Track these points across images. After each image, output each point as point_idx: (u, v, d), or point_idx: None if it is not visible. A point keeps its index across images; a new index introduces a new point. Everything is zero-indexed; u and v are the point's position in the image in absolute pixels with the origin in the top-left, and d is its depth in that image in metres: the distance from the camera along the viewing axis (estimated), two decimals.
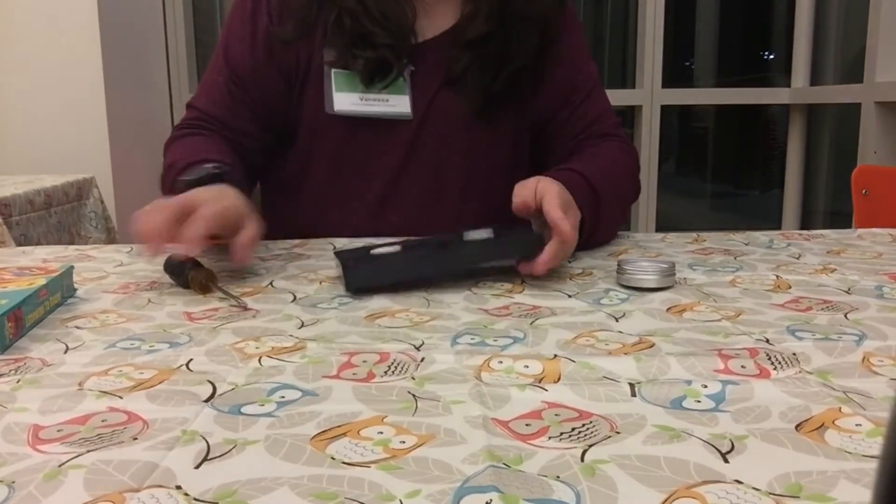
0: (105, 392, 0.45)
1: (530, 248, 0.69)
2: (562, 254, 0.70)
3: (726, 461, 0.36)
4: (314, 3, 0.93)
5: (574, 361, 0.49)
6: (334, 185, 0.98)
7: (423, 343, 0.54)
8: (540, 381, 0.46)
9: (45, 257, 0.86)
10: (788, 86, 3.01)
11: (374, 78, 0.93)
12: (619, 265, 0.69)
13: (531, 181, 0.75)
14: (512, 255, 0.69)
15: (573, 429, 0.39)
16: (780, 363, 0.48)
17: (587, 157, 0.94)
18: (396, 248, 0.71)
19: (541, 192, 0.72)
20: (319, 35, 0.94)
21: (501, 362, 0.49)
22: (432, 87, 0.95)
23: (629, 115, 3.08)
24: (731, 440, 0.38)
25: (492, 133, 0.99)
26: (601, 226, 0.84)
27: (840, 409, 0.41)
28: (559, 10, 0.99)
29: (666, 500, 0.32)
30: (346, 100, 0.94)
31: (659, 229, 3.01)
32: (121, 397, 0.44)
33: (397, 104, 0.95)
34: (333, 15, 0.91)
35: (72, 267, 0.69)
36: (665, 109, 2.96)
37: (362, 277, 0.66)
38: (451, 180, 0.98)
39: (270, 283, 0.72)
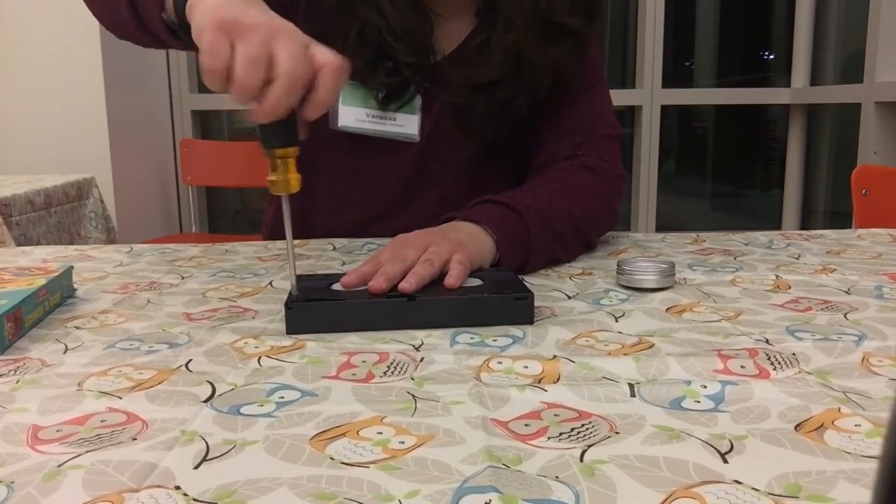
0: (104, 392, 0.45)
1: (519, 310, 0.59)
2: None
3: (725, 461, 0.36)
4: (340, 12, 0.89)
5: (573, 362, 0.49)
6: (335, 195, 0.96)
7: (423, 343, 0.54)
8: (539, 382, 0.46)
9: (45, 257, 0.86)
10: (788, 86, 3.01)
11: (391, 99, 0.91)
12: (618, 265, 0.69)
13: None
14: (496, 318, 0.58)
15: (572, 429, 0.39)
16: (779, 363, 0.48)
17: (534, 184, 0.87)
18: (363, 283, 0.62)
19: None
20: (336, 45, 0.90)
21: (501, 363, 0.49)
22: (436, 107, 0.93)
23: (629, 115, 3.08)
24: (730, 440, 0.38)
25: (497, 157, 0.96)
26: (535, 252, 0.75)
27: (839, 409, 0.41)
28: (581, 56, 0.91)
29: (665, 501, 0.32)
30: (351, 115, 0.91)
31: (659, 229, 3.01)
32: (120, 398, 0.44)
33: (405, 124, 0.92)
34: (356, 29, 0.87)
35: (71, 267, 0.69)
36: (665, 109, 2.96)
37: (304, 322, 0.57)
38: (455, 200, 0.96)
39: (270, 284, 0.72)
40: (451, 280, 0.62)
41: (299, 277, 0.63)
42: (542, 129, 0.94)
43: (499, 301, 0.59)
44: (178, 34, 0.69)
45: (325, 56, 0.58)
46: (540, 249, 0.76)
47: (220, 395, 0.45)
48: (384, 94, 0.90)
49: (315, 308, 0.57)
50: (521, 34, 0.85)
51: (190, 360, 0.51)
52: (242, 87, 0.56)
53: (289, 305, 0.57)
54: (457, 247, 0.67)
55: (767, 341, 0.53)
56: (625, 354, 0.51)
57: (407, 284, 0.60)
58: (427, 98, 0.93)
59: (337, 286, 0.62)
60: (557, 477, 0.34)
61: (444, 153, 0.94)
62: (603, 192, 0.89)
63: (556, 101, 0.92)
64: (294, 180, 0.60)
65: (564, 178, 0.88)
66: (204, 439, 0.39)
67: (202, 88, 3.00)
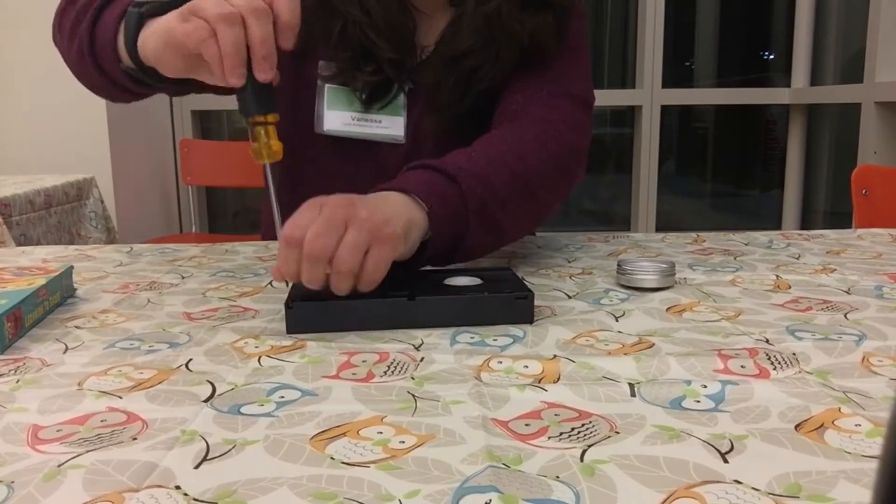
0: (104, 392, 0.45)
1: (519, 310, 0.58)
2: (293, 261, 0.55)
3: (726, 461, 0.36)
4: (319, 13, 0.88)
5: (574, 361, 0.49)
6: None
7: (423, 343, 0.54)
8: (539, 381, 0.46)
9: (45, 257, 0.86)
10: (788, 86, 3.01)
11: (374, 98, 0.90)
12: (618, 265, 0.69)
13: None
14: (496, 318, 0.58)
15: (573, 429, 0.39)
16: (779, 363, 0.48)
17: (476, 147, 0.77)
18: None
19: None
20: (320, 49, 0.90)
21: (501, 362, 0.49)
22: (421, 106, 0.92)
23: (629, 115, 3.08)
24: (730, 440, 0.38)
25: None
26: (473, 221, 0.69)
27: (839, 409, 0.41)
28: (560, 28, 0.87)
29: (665, 501, 0.32)
30: (337, 119, 0.91)
31: (659, 229, 3.01)
32: (120, 397, 0.44)
33: (390, 126, 0.91)
34: (339, 26, 0.87)
35: (71, 267, 0.69)
36: (665, 109, 2.96)
37: (304, 321, 0.57)
38: None
39: (270, 283, 0.72)
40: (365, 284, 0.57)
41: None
42: (505, 90, 0.88)
43: (499, 300, 0.59)
44: (140, 80, 0.72)
45: None
46: (479, 217, 0.69)
47: (220, 395, 0.45)
48: (367, 94, 0.90)
49: (315, 308, 0.57)
50: (501, 2, 0.84)
51: (190, 360, 0.51)
52: (228, 39, 0.58)
53: (289, 305, 0.57)
54: (378, 237, 0.57)
55: (767, 341, 0.53)
56: (625, 354, 0.51)
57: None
58: (410, 98, 0.92)
59: None
60: (558, 477, 0.34)
61: (431, 149, 0.94)
62: (548, 145, 0.79)
63: (528, 68, 0.88)
64: (276, 147, 0.60)
65: (507, 133, 0.80)
66: (204, 439, 0.39)
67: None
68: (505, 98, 0.87)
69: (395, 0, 0.87)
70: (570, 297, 0.66)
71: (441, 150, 0.93)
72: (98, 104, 2.43)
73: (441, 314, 0.58)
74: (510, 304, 0.59)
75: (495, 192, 0.71)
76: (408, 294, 0.58)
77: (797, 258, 0.80)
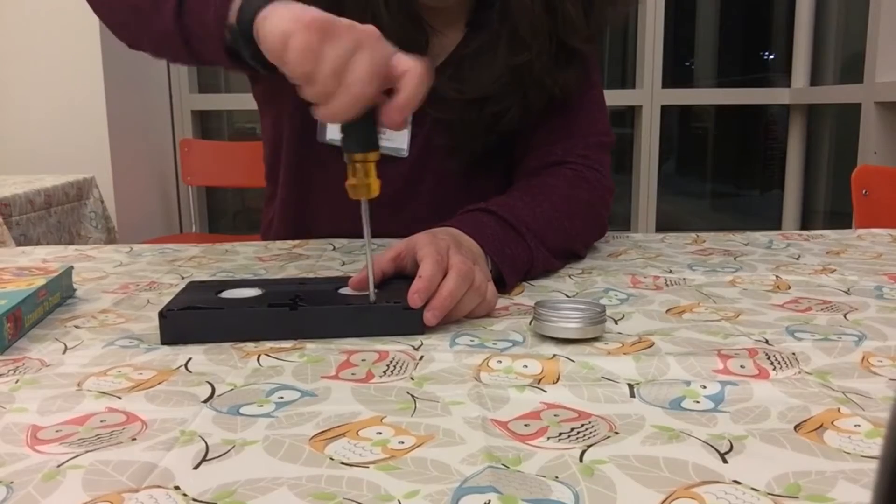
0: (104, 392, 0.45)
1: (408, 320, 0.56)
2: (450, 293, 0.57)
3: (725, 461, 0.36)
4: None
5: (573, 361, 0.49)
6: (331, 207, 0.95)
7: (422, 343, 0.54)
8: (539, 382, 0.46)
9: (45, 257, 0.86)
10: (788, 86, 3.01)
11: None
12: (534, 309, 0.56)
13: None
14: (385, 328, 0.56)
15: (572, 429, 0.39)
16: (779, 363, 0.48)
17: (518, 190, 0.83)
18: (255, 291, 0.60)
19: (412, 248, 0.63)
20: None
21: (500, 361, 0.49)
22: (429, 120, 0.91)
23: (629, 115, 3.08)
24: (729, 440, 0.38)
25: (490, 164, 0.95)
26: (537, 264, 0.74)
27: (839, 409, 0.41)
28: (582, 82, 0.89)
29: (665, 501, 0.32)
30: (338, 128, 0.92)
31: (659, 229, 3.01)
32: (120, 398, 0.44)
33: (394, 139, 0.90)
34: None
35: (71, 267, 0.69)
36: (665, 109, 2.96)
37: (180, 331, 0.55)
38: (448, 208, 0.95)
39: None
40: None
41: (192, 284, 0.63)
42: (533, 131, 0.91)
43: (387, 310, 0.56)
44: (238, 53, 0.66)
45: (408, 62, 0.58)
46: (536, 273, 0.74)
47: (219, 396, 0.45)
48: None
49: (191, 317, 0.55)
50: (533, 57, 0.84)
51: (189, 360, 0.51)
52: (319, 92, 0.56)
53: (163, 314, 0.55)
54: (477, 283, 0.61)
55: (767, 341, 0.53)
56: (624, 354, 0.51)
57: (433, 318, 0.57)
58: (418, 111, 0.92)
59: (228, 294, 0.59)
60: (557, 477, 0.34)
61: (437, 165, 0.93)
62: (596, 206, 0.87)
63: (556, 112, 0.90)
64: (374, 185, 0.59)
65: (562, 190, 0.84)
66: (203, 439, 0.39)
67: (202, 88, 3.00)
68: (541, 145, 0.89)
69: (407, 15, 0.87)
70: (570, 297, 0.66)
71: (447, 167, 0.93)
72: (98, 104, 2.43)
73: (325, 325, 0.56)
74: (398, 315, 0.56)
75: (548, 250, 0.75)
76: (291, 304, 0.56)
77: (797, 258, 0.80)
